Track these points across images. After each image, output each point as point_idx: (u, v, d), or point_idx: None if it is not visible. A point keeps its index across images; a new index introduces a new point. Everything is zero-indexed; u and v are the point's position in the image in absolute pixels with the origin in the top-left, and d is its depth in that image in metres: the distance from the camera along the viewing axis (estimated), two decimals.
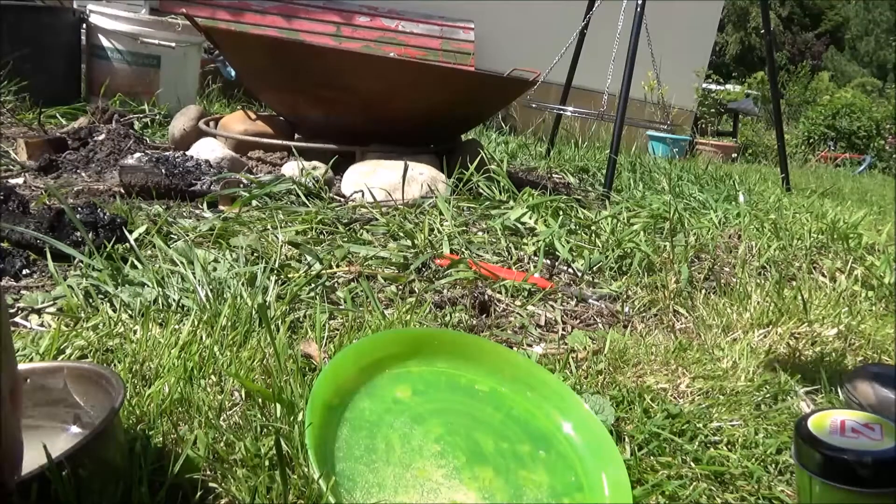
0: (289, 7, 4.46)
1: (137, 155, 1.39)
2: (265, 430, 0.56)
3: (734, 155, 6.20)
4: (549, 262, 1.17)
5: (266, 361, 0.68)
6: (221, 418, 0.59)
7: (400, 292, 0.96)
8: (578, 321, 0.96)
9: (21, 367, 0.55)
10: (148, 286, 0.85)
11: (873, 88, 17.36)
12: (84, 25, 2.57)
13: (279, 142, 1.78)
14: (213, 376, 0.66)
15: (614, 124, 2.00)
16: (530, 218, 1.39)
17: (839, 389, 0.78)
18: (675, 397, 0.74)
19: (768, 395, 0.76)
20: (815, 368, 0.84)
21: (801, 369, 0.84)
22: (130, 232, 1.02)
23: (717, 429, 0.67)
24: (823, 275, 1.31)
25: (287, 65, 1.72)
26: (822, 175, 4.52)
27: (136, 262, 0.92)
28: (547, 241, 1.22)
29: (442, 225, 1.29)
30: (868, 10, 21.18)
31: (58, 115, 2.12)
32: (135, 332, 0.74)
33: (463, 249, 1.17)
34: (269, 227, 1.16)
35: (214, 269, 0.92)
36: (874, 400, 0.71)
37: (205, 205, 1.29)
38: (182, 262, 0.91)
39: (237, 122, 1.85)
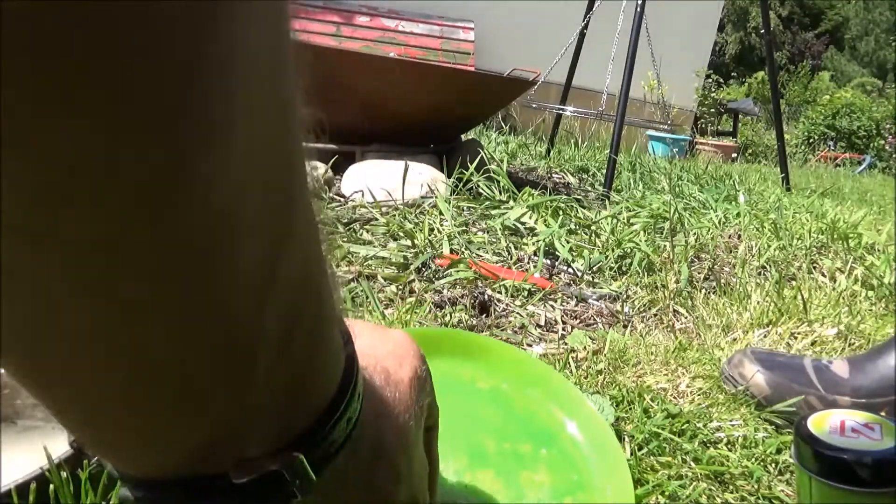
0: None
1: None
2: None
3: (734, 155, 6.21)
4: (549, 262, 1.17)
5: None
6: None
7: (400, 292, 0.96)
8: (578, 321, 0.96)
9: None
10: None
11: (873, 88, 17.37)
12: None
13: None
14: None
15: (614, 124, 2.00)
16: (530, 218, 1.39)
17: (721, 375, 0.77)
18: (674, 397, 0.74)
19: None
20: None
21: None
22: None
23: (716, 428, 0.67)
24: (823, 275, 1.31)
25: None
26: (822, 175, 4.52)
27: None
28: (547, 241, 1.22)
29: (442, 225, 1.29)
30: (868, 10, 21.18)
31: None
32: None
33: (463, 249, 1.18)
34: None
35: None
36: (763, 384, 0.72)
37: None
38: None
39: None
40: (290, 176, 0.18)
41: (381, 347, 0.31)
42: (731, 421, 0.69)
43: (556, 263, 1.17)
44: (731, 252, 1.42)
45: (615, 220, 1.44)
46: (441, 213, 1.36)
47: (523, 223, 1.36)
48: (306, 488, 0.20)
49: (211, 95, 0.14)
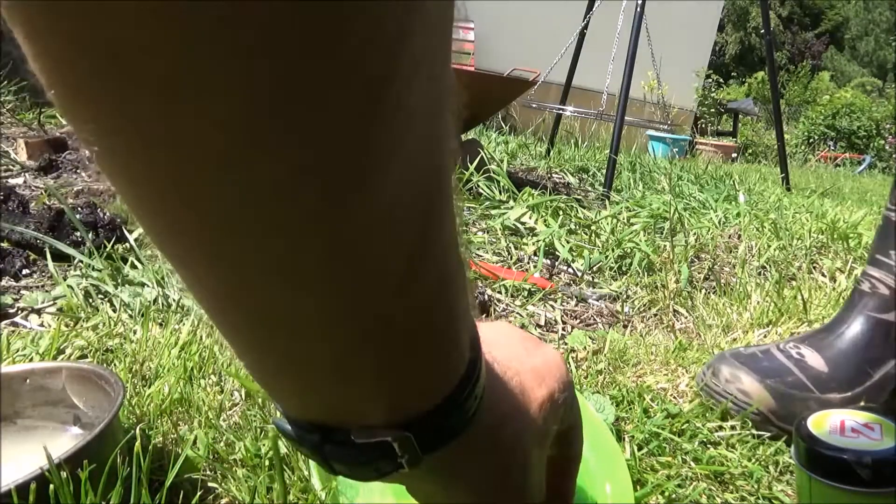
0: None
1: None
2: (265, 430, 0.56)
3: (734, 155, 6.21)
4: (549, 262, 1.17)
5: None
6: (221, 418, 0.59)
7: None
8: (578, 321, 0.96)
9: (21, 367, 0.55)
10: (148, 286, 0.85)
11: (873, 88, 17.39)
12: None
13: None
14: (213, 376, 0.66)
15: (614, 124, 2.00)
16: (530, 218, 1.39)
17: (699, 381, 0.72)
18: (674, 397, 0.74)
19: None
20: None
21: None
22: (130, 232, 1.02)
23: (717, 428, 0.67)
24: (823, 275, 1.31)
25: None
26: (822, 175, 4.53)
27: (136, 262, 0.92)
28: (547, 241, 1.22)
29: None
30: (868, 10, 21.18)
31: (58, 114, 2.12)
32: (135, 332, 0.74)
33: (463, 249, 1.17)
34: None
35: None
36: (769, 397, 0.67)
37: None
38: None
39: None
40: (439, 181, 0.20)
41: (527, 361, 0.31)
42: (731, 420, 0.69)
43: (556, 263, 1.17)
44: (731, 252, 1.42)
45: (615, 220, 1.44)
46: None
47: (523, 223, 1.36)
48: (413, 463, 0.24)
49: (397, 108, 0.16)
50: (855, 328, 0.68)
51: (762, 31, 2.76)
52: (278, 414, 0.25)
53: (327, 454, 0.24)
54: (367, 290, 0.19)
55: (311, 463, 0.47)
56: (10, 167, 1.47)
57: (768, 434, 0.67)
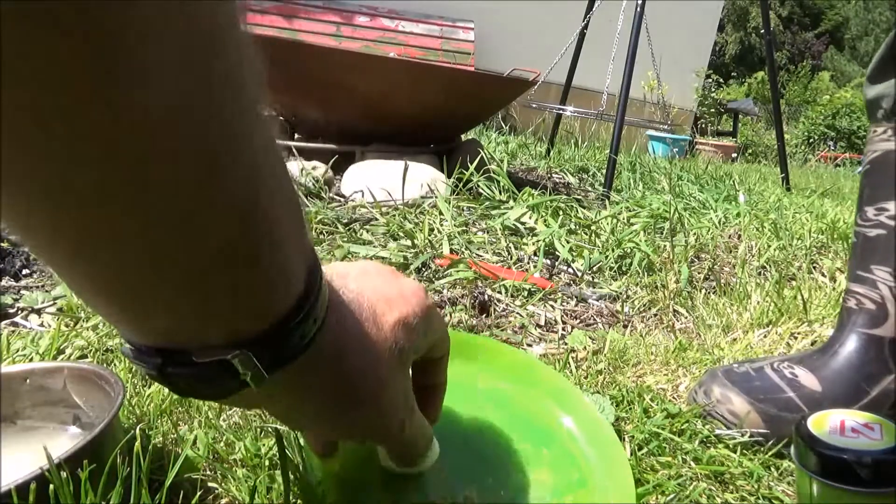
0: (289, 7, 4.45)
1: None
2: (265, 430, 0.56)
3: (734, 155, 6.21)
4: (549, 262, 1.17)
5: None
6: (221, 418, 0.59)
7: None
8: (578, 321, 0.96)
9: (21, 367, 0.55)
10: None
11: None
12: None
13: (279, 142, 1.78)
14: None
15: (614, 124, 2.00)
16: (530, 218, 1.39)
17: (691, 399, 0.71)
18: (674, 397, 0.74)
19: None
20: None
21: None
22: None
23: (717, 427, 0.67)
24: (823, 275, 1.31)
25: (286, 65, 1.72)
26: (822, 175, 4.52)
27: None
28: (547, 240, 1.22)
29: (442, 225, 1.29)
30: (868, 10, 21.17)
31: None
32: None
33: (463, 249, 1.17)
34: None
35: None
36: (738, 409, 0.67)
37: None
38: None
39: None
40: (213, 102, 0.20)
41: (381, 290, 0.34)
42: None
43: (556, 263, 1.17)
44: (731, 252, 1.42)
45: (615, 220, 1.44)
46: (441, 213, 1.36)
47: (523, 223, 1.36)
48: (258, 380, 0.25)
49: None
50: (849, 346, 0.67)
51: (762, 31, 2.76)
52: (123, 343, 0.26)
53: (170, 375, 0.25)
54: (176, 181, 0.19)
55: (308, 455, 0.47)
56: None
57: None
